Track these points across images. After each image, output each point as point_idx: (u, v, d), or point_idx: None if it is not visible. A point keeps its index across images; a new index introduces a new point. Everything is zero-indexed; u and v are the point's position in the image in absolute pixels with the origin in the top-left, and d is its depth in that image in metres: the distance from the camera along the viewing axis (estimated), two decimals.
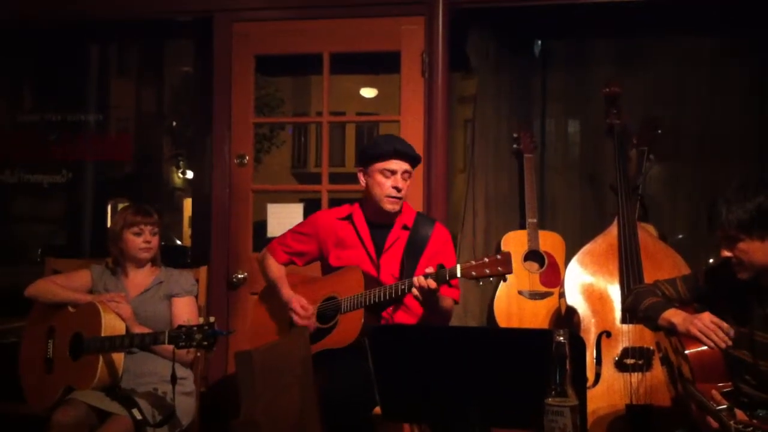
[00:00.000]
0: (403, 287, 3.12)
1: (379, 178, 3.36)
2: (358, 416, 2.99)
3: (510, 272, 2.99)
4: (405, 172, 3.37)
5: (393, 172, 3.35)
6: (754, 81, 4.54)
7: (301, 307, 3.37)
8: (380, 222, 3.46)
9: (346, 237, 3.48)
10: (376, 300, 3.17)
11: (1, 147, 5.10)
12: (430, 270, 3.06)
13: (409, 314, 3.37)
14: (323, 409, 2.89)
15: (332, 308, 3.33)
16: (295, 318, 3.37)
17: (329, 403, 2.96)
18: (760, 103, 4.52)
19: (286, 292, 3.47)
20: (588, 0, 4.22)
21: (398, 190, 3.34)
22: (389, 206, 3.37)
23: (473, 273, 2.99)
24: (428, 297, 3.11)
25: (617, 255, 3.73)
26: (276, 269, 3.58)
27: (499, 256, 2.98)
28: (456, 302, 3.43)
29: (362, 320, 3.18)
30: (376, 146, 3.45)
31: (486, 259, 2.99)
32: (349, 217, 3.50)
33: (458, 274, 3.01)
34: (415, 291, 3.07)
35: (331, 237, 3.50)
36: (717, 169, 4.48)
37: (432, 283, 3.02)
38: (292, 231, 3.63)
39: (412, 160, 3.40)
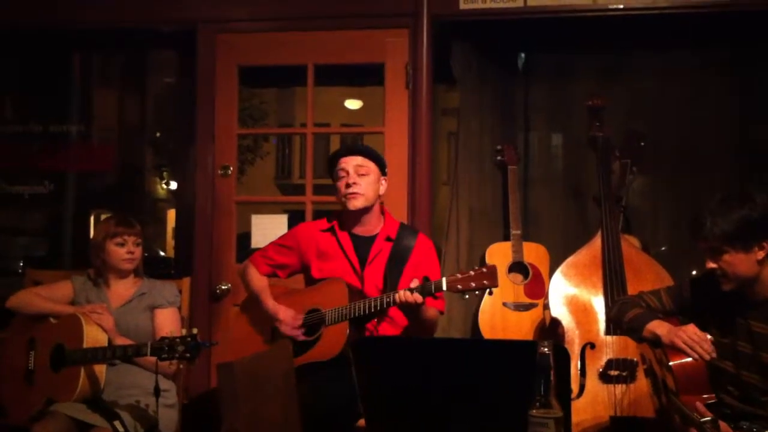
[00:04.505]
0: (388, 300, 3.10)
1: (338, 182, 3.38)
2: (341, 429, 2.97)
3: (496, 285, 3.00)
4: (358, 166, 3.36)
5: (345, 171, 3.36)
6: (734, 95, 4.59)
7: (291, 317, 3.33)
8: (362, 233, 3.45)
9: (328, 249, 3.46)
10: (361, 313, 3.15)
11: None
12: (415, 283, 3.06)
13: (393, 326, 3.36)
14: (306, 422, 2.87)
15: (316, 321, 3.31)
16: (283, 328, 3.33)
17: (312, 416, 2.94)
18: (740, 116, 4.56)
19: (271, 303, 3.43)
20: (570, 14, 4.24)
21: (348, 185, 3.33)
22: (350, 205, 3.34)
23: (459, 286, 3.00)
24: (413, 310, 3.11)
25: (601, 266, 3.75)
26: (258, 280, 3.54)
27: (484, 269, 2.99)
28: (441, 313, 3.43)
29: (347, 333, 3.16)
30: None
31: (471, 273, 3.00)
32: (331, 229, 3.49)
33: (444, 288, 3.02)
34: (399, 301, 3.07)
35: (313, 249, 3.48)
36: (699, 181, 4.52)
37: (418, 298, 3.03)
38: (273, 243, 3.61)
39: (359, 152, 3.39)
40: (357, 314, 3.16)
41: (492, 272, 2.98)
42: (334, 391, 3.01)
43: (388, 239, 3.44)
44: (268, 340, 3.46)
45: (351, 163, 3.36)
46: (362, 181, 3.35)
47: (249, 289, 3.57)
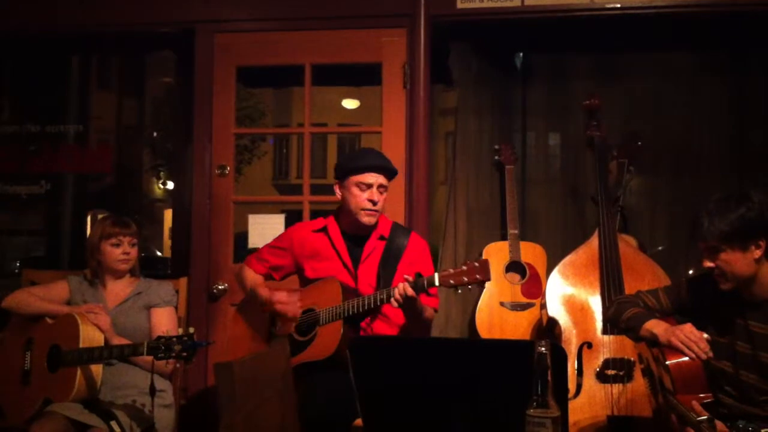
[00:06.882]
0: (381, 297, 3.12)
1: (355, 191, 3.37)
2: (338, 428, 2.97)
3: (488, 279, 3.00)
4: (380, 186, 3.38)
5: (369, 186, 3.36)
6: (731, 96, 4.59)
7: (287, 297, 3.34)
8: (356, 233, 3.46)
9: (321, 249, 3.47)
10: (355, 311, 3.17)
11: None
12: (408, 278, 3.07)
13: (388, 324, 3.37)
14: (303, 422, 2.88)
15: (311, 321, 3.32)
16: (282, 308, 3.34)
17: (309, 416, 2.94)
18: (738, 116, 4.56)
19: (264, 291, 3.44)
20: (568, 14, 4.24)
21: (374, 203, 3.35)
22: (365, 219, 3.37)
23: (451, 281, 3.00)
24: (408, 305, 3.12)
25: (598, 266, 3.74)
26: (253, 277, 3.56)
27: (476, 264, 2.99)
28: (435, 310, 3.44)
29: (341, 332, 3.17)
30: (353, 160, 3.45)
31: (464, 267, 3.00)
32: (324, 229, 3.51)
33: (436, 283, 3.02)
34: (394, 301, 3.08)
35: (306, 249, 3.50)
36: (695, 181, 4.53)
37: (410, 290, 3.03)
38: (268, 245, 3.63)
39: (388, 173, 3.41)
40: (350, 313, 3.17)
41: (484, 266, 2.98)
42: (330, 390, 3.01)
43: (381, 238, 3.46)
44: (265, 339, 3.47)
45: (378, 180, 3.37)
46: (381, 199, 3.39)
47: (244, 287, 3.59)
